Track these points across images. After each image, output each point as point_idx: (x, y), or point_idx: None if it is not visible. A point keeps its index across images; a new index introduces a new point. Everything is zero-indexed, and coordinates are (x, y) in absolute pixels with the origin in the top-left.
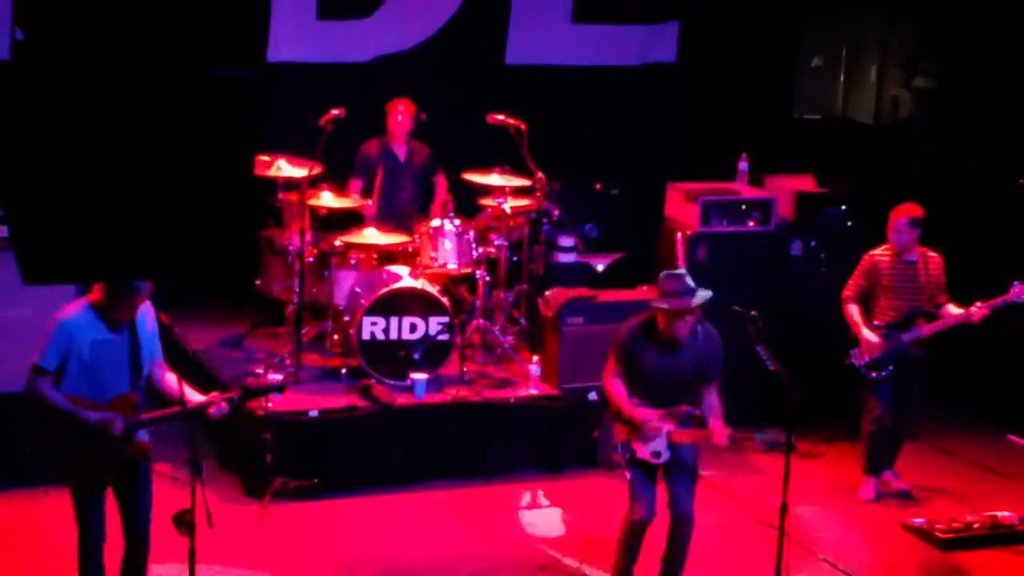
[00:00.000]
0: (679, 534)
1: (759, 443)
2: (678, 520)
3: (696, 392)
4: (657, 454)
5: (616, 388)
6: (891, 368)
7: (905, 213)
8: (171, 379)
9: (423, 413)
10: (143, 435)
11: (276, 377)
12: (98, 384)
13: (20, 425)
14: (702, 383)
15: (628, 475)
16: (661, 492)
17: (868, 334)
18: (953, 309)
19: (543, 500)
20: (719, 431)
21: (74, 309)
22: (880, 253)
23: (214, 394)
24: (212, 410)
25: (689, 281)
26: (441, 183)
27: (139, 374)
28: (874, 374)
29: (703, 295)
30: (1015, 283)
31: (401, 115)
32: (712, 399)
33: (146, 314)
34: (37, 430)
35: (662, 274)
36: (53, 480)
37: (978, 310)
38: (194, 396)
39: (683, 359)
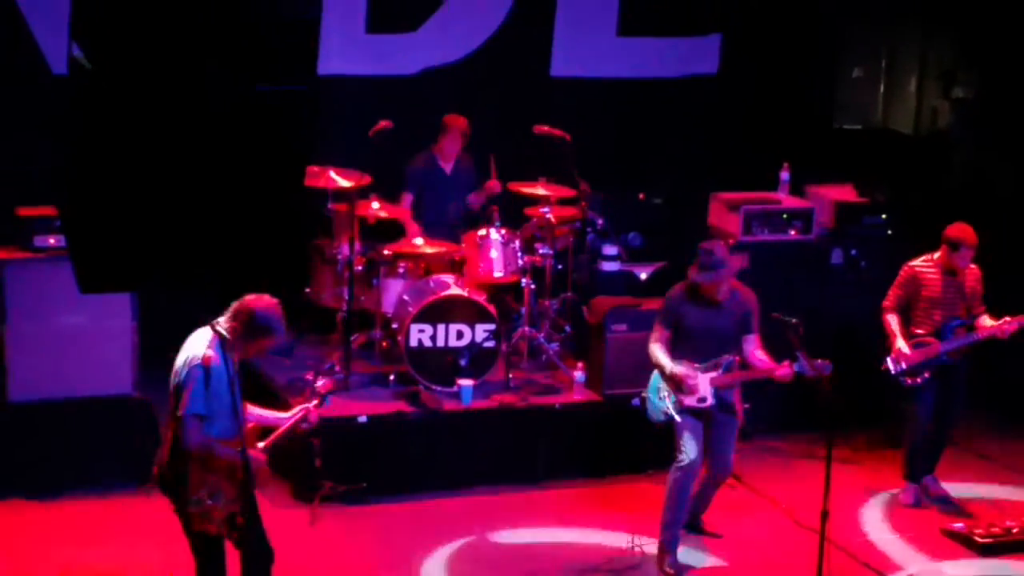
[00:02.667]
0: (715, 480)
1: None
2: (717, 470)
3: (738, 345)
4: (703, 399)
5: (658, 351)
6: (927, 376)
7: (975, 242)
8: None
9: (470, 419)
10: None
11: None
12: (227, 423)
13: (82, 429)
14: (742, 335)
15: (680, 421)
16: None
17: (901, 344)
18: (987, 321)
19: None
20: (778, 367)
21: (214, 350)
22: (921, 265)
23: (299, 410)
24: (303, 427)
25: (718, 255)
26: (493, 181)
27: (238, 402)
28: (909, 381)
29: (729, 268)
30: None
31: (461, 134)
32: (758, 350)
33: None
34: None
35: (699, 247)
36: (190, 531)
37: (1008, 325)
38: (270, 414)
39: (724, 316)
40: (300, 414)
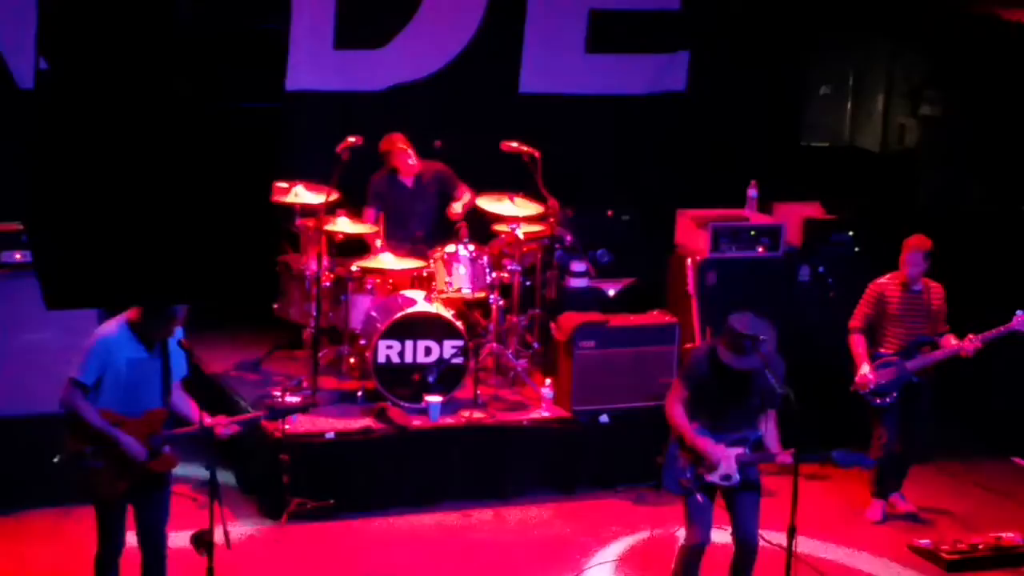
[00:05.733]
0: (745, 561)
1: (835, 461)
2: (746, 547)
3: (759, 417)
4: (728, 477)
5: (679, 415)
6: (895, 395)
7: (920, 247)
8: (184, 399)
9: (438, 435)
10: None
11: (294, 399)
12: (132, 400)
13: (46, 446)
14: (768, 408)
15: (699, 499)
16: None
17: (865, 369)
18: (952, 340)
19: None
20: (784, 454)
21: (114, 327)
22: (886, 282)
23: (220, 417)
24: (220, 431)
25: (757, 341)
26: (462, 189)
27: (169, 391)
28: (878, 401)
29: (766, 349)
30: (1018, 312)
31: (402, 150)
32: (772, 426)
33: (178, 332)
34: (67, 443)
35: (731, 324)
36: (79, 496)
37: (971, 343)
38: (205, 418)
39: (753, 389)
40: (211, 423)
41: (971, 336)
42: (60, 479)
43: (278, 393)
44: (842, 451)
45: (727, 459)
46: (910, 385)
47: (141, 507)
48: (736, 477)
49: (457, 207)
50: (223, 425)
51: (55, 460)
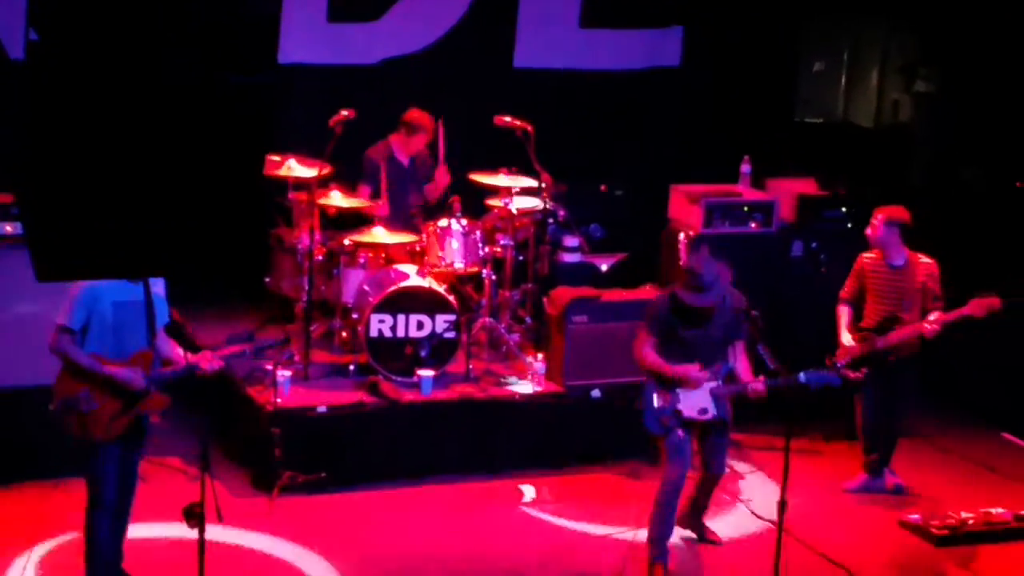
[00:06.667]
0: (710, 487)
1: (804, 383)
2: (712, 478)
3: (727, 351)
4: (704, 411)
5: (651, 355)
6: (868, 371)
7: (885, 212)
8: (167, 342)
9: (429, 409)
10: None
11: (286, 373)
12: (118, 343)
13: (39, 418)
14: (733, 340)
15: (680, 434)
16: None
17: (845, 338)
18: (932, 317)
19: (547, 496)
20: (755, 382)
21: None
22: (871, 256)
23: (206, 352)
24: (204, 365)
25: (709, 276)
26: (442, 171)
27: (154, 332)
28: (852, 375)
29: (720, 287)
30: (972, 299)
31: (430, 133)
32: (742, 357)
33: (163, 302)
34: (59, 391)
35: (685, 265)
36: (75, 442)
37: (931, 325)
38: (189, 356)
39: (716, 323)
40: (195, 359)
41: (933, 315)
42: (51, 451)
43: (270, 367)
44: (810, 371)
45: (703, 388)
46: (888, 361)
47: (127, 449)
48: (712, 410)
49: (434, 191)
50: (207, 360)
51: (51, 408)
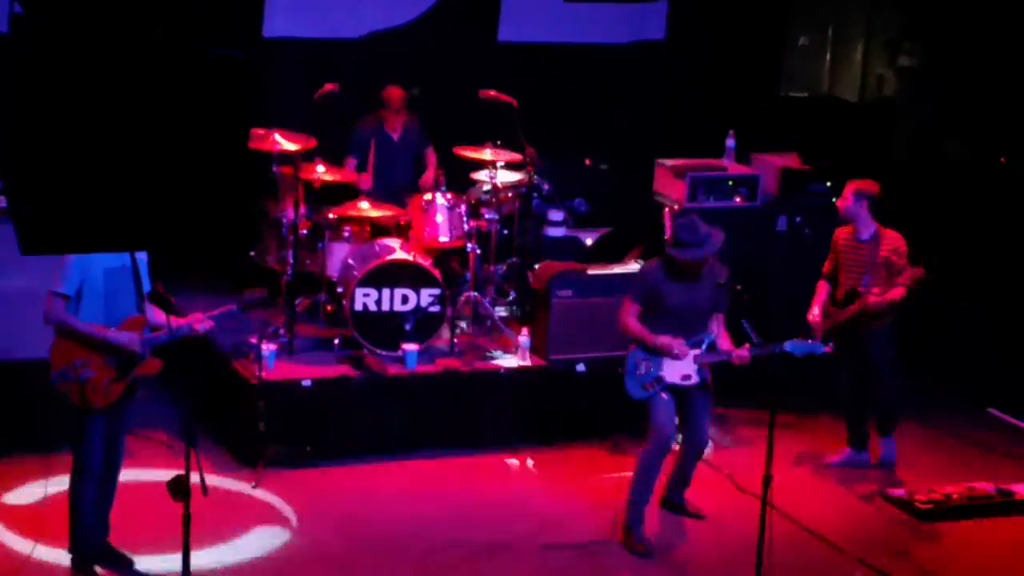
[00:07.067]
0: (694, 455)
1: (789, 352)
2: (697, 445)
3: (709, 321)
4: (687, 377)
5: (634, 324)
6: (836, 345)
7: (855, 184)
8: (151, 308)
9: (414, 383)
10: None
11: (271, 346)
12: (110, 310)
13: (28, 392)
14: (715, 312)
15: (664, 397)
16: None
17: (812, 314)
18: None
19: (531, 468)
20: (740, 350)
21: None
22: (844, 229)
23: (196, 314)
24: (196, 326)
25: (703, 231)
26: (431, 157)
27: (143, 297)
28: (824, 349)
29: (715, 243)
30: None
31: (400, 102)
32: (723, 329)
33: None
34: (56, 361)
35: (675, 221)
36: (75, 410)
37: (873, 299)
38: (174, 321)
39: (702, 290)
40: (185, 322)
41: (874, 291)
42: (42, 425)
43: (255, 341)
44: (795, 341)
45: (686, 356)
46: (858, 335)
47: (115, 419)
48: (695, 377)
49: (429, 179)
50: (198, 321)
51: (52, 377)
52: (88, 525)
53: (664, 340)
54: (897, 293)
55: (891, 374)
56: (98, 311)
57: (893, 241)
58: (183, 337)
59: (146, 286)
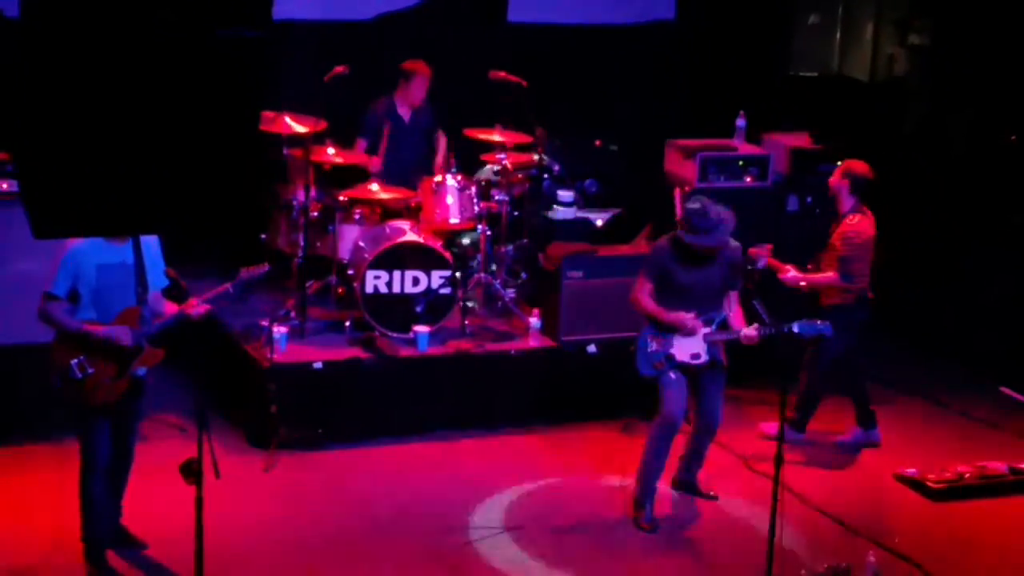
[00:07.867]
0: (707, 436)
1: (797, 333)
2: (709, 424)
3: (722, 299)
4: (697, 356)
5: (647, 301)
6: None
7: (845, 163)
8: (161, 301)
9: (425, 365)
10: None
11: (282, 329)
12: (106, 307)
13: (35, 375)
14: (729, 290)
15: (672, 376)
16: None
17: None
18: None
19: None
20: (748, 329)
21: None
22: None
23: (191, 300)
24: (191, 311)
25: (714, 216)
26: (442, 141)
27: (145, 289)
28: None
29: (726, 229)
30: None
31: (427, 80)
32: (736, 307)
33: (150, 240)
34: (54, 361)
35: (688, 206)
36: (77, 410)
37: (786, 277)
38: (173, 308)
39: (714, 270)
40: (187, 305)
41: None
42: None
43: (266, 323)
44: (803, 322)
45: (697, 334)
46: (822, 311)
47: (124, 413)
48: (705, 356)
49: (440, 162)
50: (193, 306)
51: (52, 379)
52: (97, 516)
53: (675, 315)
54: (807, 280)
55: (821, 365)
56: (93, 310)
57: (847, 227)
58: (179, 323)
59: (160, 280)
